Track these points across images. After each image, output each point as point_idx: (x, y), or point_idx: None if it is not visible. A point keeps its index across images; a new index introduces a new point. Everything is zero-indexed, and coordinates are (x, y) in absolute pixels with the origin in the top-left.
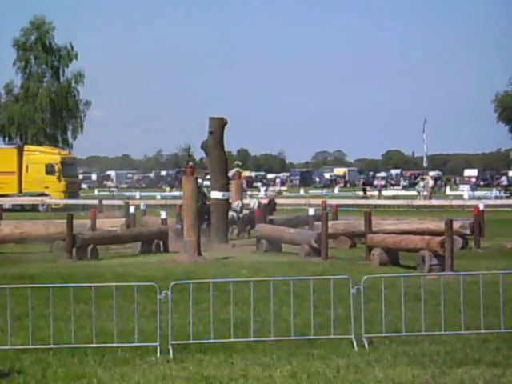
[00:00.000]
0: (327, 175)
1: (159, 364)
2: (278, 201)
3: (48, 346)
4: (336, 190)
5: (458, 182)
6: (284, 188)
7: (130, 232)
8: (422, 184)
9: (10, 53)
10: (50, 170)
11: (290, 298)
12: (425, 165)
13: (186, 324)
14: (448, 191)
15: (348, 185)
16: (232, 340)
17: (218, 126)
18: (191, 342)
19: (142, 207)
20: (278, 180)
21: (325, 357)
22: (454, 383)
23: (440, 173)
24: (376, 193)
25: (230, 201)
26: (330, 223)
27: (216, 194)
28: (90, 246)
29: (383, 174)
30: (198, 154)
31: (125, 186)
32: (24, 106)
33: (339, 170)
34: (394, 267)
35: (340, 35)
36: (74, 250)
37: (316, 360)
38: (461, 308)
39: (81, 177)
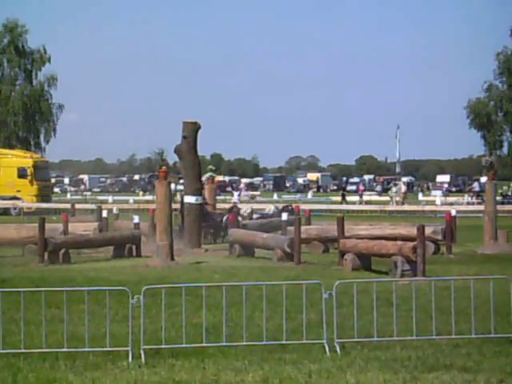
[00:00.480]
0: (300, 180)
1: (131, 369)
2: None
3: (19, 351)
4: (309, 194)
5: (430, 187)
6: (257, 193)
7: (103, 236)
8: (394, 189)
9: None
10: (22, 173)
11: (263, 302)
12: (398, 170)
13: (158, 329)
14: (420, 197)
15: (321, 190)
16: (204, 345)
17: (192, 131)
18: (163, 346)
19: (114, 211)
20: (241, 185)
21: (297, 362)
22: None
23: (413, 178)
24: (357, 198)
25: (262, 206)
26: (303, 228)
27: (189, 199)
28: (62, 250)
29: (356, 179)
30: (172, 159)
31: (98, 190)
32: None
33: (312, 175)
34: (366, 272)
35: (315, 41)
36: (46, 254)
37: (288, 365)
38: (432, 313)
39: (53, 181)
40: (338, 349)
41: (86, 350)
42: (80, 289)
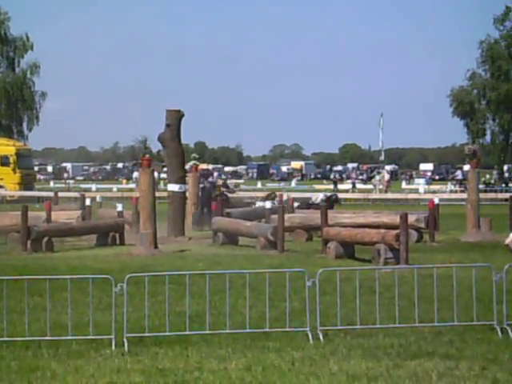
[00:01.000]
0: (284, 168)
1: (114, 357)
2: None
3: (1, 339)
4: (293, 183)
5: (414, 175)
6: (241, 181)
7: (86, 224)
8: (377, 178)
9: None
10: (4, 161)
11: (246, 290)
12: (381, 158)
13: (142, 317)
14: (404, 185)
15: (305, 178)
16: (187, 333)
17: (175, 119)
18: (146, 334)
19: (98, 200)
20: (215, 173)
21: (280, 349)
22: (408, 376)
23: (396, 167)
24: (350, 186)
25: (310, 195)
26: (286, 216)
27: (173, 187)
28: (45, 239)
29: (340, 167)
30: (155, 147)
31: (81, 178)
32: None
33: (296, 164)
34: (349, 260)
35: (299, 29)
36: (29, 243)
37: (271, 353)
38: (415, 301)
39: (36, 169)
40: (321, 336)
41: (69, 338)
42: (63, 277)
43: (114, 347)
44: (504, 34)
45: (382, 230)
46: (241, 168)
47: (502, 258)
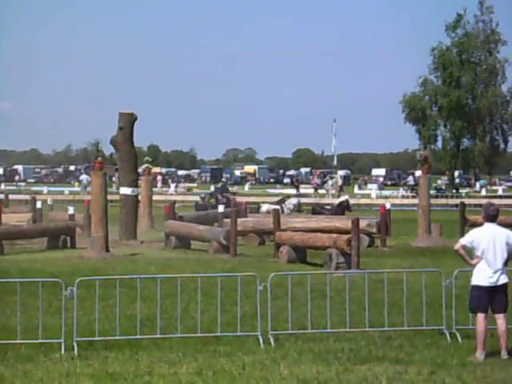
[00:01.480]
0: (238, 172)
1: (63, 361)
2: (188, 198)
3: None
4: (246, 187)
5: (366, 180)
6: (194, 184)
7: (37, 227)
8: (330, 183)
9: None
10: None
11: (198, 294)
12: (334, 163)
13: (92, 321)
14: (356, 190)
15: (258, 182)
16: (138, 337)
17: (128, 122)
18: (96, 338)
19: (49, 202)
20: (158, 177)
21: (231, 354)
22: (358, 380)
23: (349, 172)
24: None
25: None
26: (239, 220)
27: (125, 190)
28: None
29: (293, 171)
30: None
31: (32, 180)
32: None
33: (250, 168)
34: (301, 265)
35: (250, 32)
36: None
37: (222, 357)
38: (366, 306)
39: None
40: (272, 341)
41: (18, 341)
42: (13, 280)
43: (63, 351)
44: (455, 41)
45: (334, 235)
46: (194, 172)
47: (452, 263)
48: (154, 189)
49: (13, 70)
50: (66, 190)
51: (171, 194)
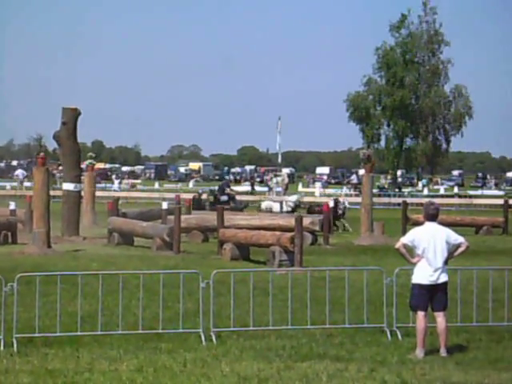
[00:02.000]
0: (182, 169)
1: (2, 357)
2: (132, 194)
3: None
4: (191, 184)
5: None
6: (138, 181)
7: None
8: (275, 180)
9: None
10: None
11: (140, 291)
12: (279, 161)
13: (32, 317)
14: (300, 188)
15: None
16: (79, 333)
17: (71, 117)
18: (36, 335)
19: None
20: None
21: (172, 351)
22: (298, 377)
23: (293, 169)
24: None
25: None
26: (182, 217)
27: (68, 186)
28: None
29: (238, 169)
30: (51, 145)
31: None
32: None
33: (194, 165)
34: (244, 262)
35: (196, 30)
36: None
37: (163, 354)
38: (307, 303)
39: None
40: (213, 338)
41: None
42: None
43: (2, 347)
44: (399, 41)
45: (278, 233)
46: (138, 168)
47: (394, 261)
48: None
49: None
50: (8, 184)
51: (115, 191)
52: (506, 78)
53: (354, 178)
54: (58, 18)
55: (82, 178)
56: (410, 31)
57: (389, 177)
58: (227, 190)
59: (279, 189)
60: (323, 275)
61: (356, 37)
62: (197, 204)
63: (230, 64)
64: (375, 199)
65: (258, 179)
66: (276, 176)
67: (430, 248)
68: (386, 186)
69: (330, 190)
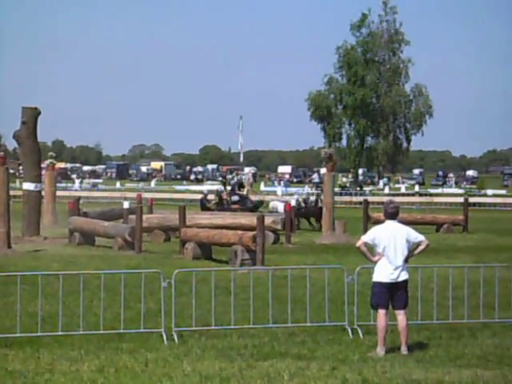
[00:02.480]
0: (144, 168)
1: None
2: (93, 193)
3: None
4: (152, 183)
5: (271, 178)
6: (100, 181)
7: None
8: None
9: None
10: None
11: (101, 291)
12: (241, 160)
13: None
14: (262, 187)
15: (164, 179)
16: (39, 334)
17: (31, 116)
18: None
19: None
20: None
21: (134, 351)
22: (260, 376)
23: (255, 168)
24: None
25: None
26: (144, 217)
27: (28, 186)
28: None
29: (200, 168)
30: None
31: None
32: None
33: (156, 164)
34: (206, 261)
35: (157, 28)
36: None
37: (125, 354)
38: (269, 302)
39: None
40: (175, 337)
41: None
42: None
43: None
44: (360, 40)
45: (239, 232)
46: (100, 167)
47: (355, 260)
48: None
49: None
50: None
51: (76, 190)
52: (465, 77)
53: (315, 177)
54: (16, 16)
55: (43, 177)
56: (371, 30)
57: (350, 175)
58: (242, 190)
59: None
60: (285, 274)
61: (317, 36)
62: (203, 205)
63: (191, 63)
64: (337, 198)
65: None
66: (238, 175)
67: (391, 246)
68: (348, 185)
69: (292, 189)
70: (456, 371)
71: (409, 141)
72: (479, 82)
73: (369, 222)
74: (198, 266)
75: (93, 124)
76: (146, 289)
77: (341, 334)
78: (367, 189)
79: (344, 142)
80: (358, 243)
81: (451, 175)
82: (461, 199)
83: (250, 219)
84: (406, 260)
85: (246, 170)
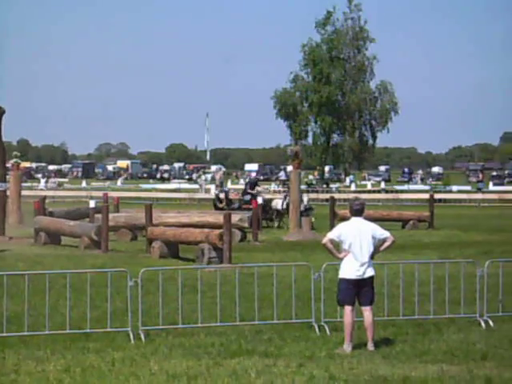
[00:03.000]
0: (110, 167)
1: None
2: (59, 193)
3: None
4: (119, 182)
5: (238, 176)
6: (65, 180)
7: None
8: (203, 178)
9: None
10: None
11: (67, 291)
12: (207, 158)
13: None
14: (229, 184)
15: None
16: (5, 334)
17: None
18: None
19: None
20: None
21: (100, 350)
22: (227, 374)
23: (222, 166)
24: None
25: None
26: (110, 216)
27: None
28: None
29: (166, 167)
30: None
31: None
32: None
33: (122, 163)
34: (174, 260)
35: (123, 26)
36: None
37: (91, 353)
38: (236, 300)
39: None
40: (142, 336)
41: None
42: None
43: None
44: (325, 37)
45: (206, 230)
46: (65, 167)
47: (322, 257)
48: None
49: None
50: None
51: (41, 190)
52: (430, 74)
53: (282, 175)
54: None
55: (8, 177)
56: (336, 28)
57: (316, 173)
58: (256, 189)
59: (208, 186)
60: (252, 272)
61: (283, 34)
62: (215, 205)
63: (157, 61)
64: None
65: (187, 176)
66: (205, 173)
67: (356, 243)
68: (314, 182)
69: (259, 187)
70: (422, 367)
71: (374, 138)
72: (444, 78)
73: (335, 219)
74: (165, 265)
75: (58, 123)
76: (113, 288)
77: (308, 331)
78: (333, 186)
79: (310, 139)
80: (324, 240)
81: (420, 171)
82: (426, 195)
83: (216, 217)
84: (372, 256)
85: (213, 168)
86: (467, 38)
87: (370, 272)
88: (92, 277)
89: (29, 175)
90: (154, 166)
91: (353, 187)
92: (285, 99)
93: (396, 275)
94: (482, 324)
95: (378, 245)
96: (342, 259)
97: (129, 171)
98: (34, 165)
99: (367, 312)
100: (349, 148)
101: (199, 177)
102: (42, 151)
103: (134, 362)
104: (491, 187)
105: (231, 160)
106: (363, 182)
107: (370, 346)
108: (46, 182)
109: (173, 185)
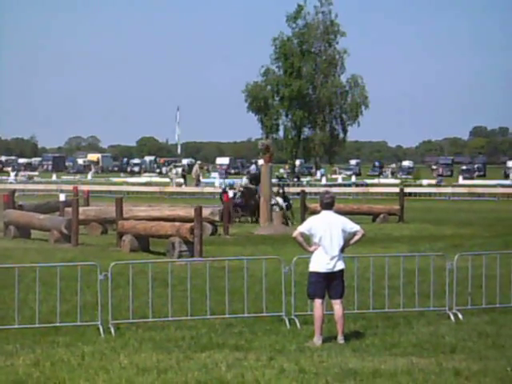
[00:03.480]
0: (80, 161)
1: None
2: (29, 186)
3: None
4: (89, 175)
5: (210, 169)
6: (35, 173)
7: None
8: (174, 171)
9: None
10: None
11: (36, 285)
12: (178, 152)
13: None
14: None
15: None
16: None
17: None
18: None
19: None
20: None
21: (70, 344)
22: (198, 367)
23: (193, 160)
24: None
25: None
26: (81, 209)
27: None
28: None
29: (137, 160)
30: None
31: None
32: None
33: (93, 156)
34: (144, 253)
35: (91, 18)
36: None
37: (61, 347)
38: (207, 293)
39: None
40: (112, 330)
41: None
42: None
43: None
44: (296, 31)
45: (177, 223)
46: (35, 160)
47: (292, 250)
48: None
49: None
50: None
51: (11, 183)
52: (400, 68)
53: (253, 168)
54: None
55: None
56: (307, 22)
57: (287, 166)
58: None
59: (179, 179)
60: (223, 265)
61: (254, 27)
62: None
63: (127, 54)
64: (274, 189)
65: (158, 170)
66: (176, 167)
67: (327, 236)
68: (286, 176)
69: (229, 181)
70: (392, 359)
71: (345, 131)
72: (414, 72)
73: (306, 213)
74: (136, 259)
75: (28, 116)
76: (83, 282)
77: (278, 325)
78: (304, 180)
79: (281, 133)
80: (295, 233)
81: (393, 165)
82: (396, 189)
83: (187, 211)
84: (342, 250)
85: (184, 161)
86: (436, 32)
87: (340, 265)
88: (62, 270)
89: None
90: (125, 159)
91: (323, 181)
92: (256, 93)
93: (366, 268)
94: (452, 317)
95: (348, 238)
96: (312, 252)
97: (99, 165)
98: (3, 158)
99: (337, 305)
100: (320, 142)
101: (170, 170)
102: (12, 144)
103: (104, 355)
104: (461, 181)
105: (202, 153)
106: (334, 176)
107: (340, 339)
108: (16, 175)
109: (143, 178)
